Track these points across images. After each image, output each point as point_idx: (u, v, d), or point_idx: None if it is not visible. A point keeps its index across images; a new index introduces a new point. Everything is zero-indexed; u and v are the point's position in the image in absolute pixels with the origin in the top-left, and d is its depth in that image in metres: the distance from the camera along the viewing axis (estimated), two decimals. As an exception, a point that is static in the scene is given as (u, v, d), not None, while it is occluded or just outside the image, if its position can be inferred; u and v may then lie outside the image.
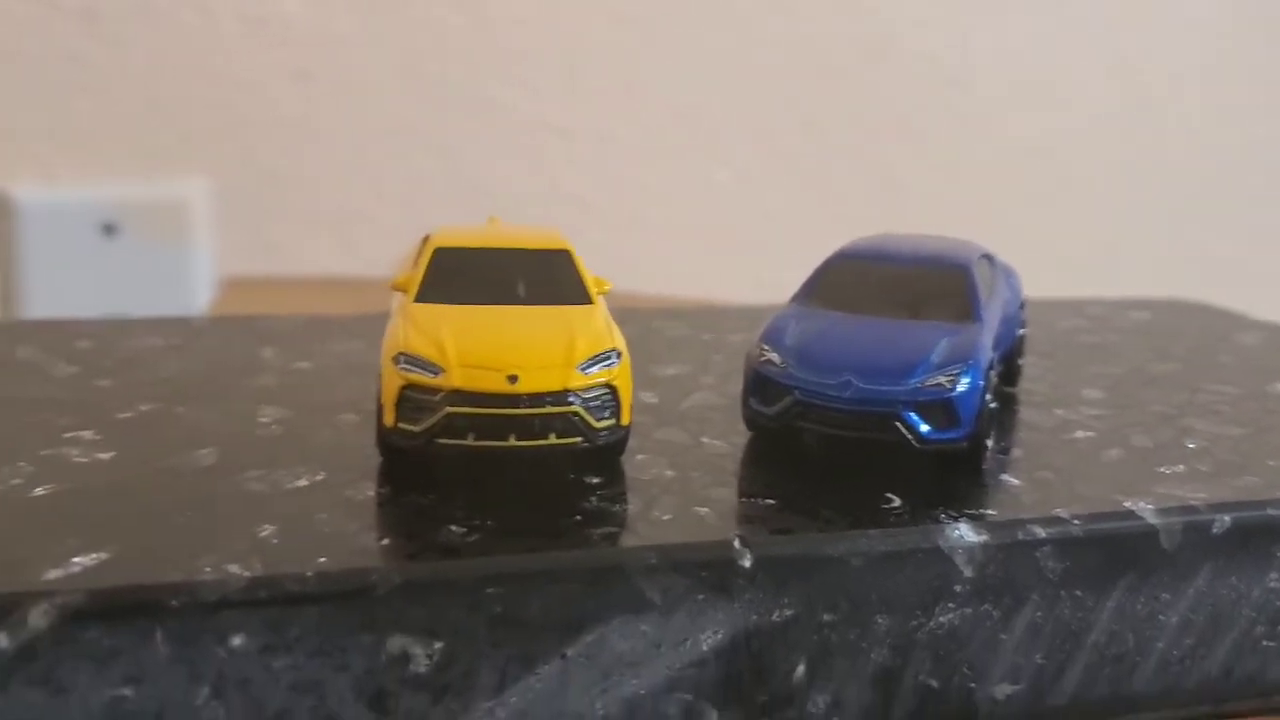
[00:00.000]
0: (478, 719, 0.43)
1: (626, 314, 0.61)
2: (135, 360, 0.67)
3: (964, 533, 0.47)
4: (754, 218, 1.26)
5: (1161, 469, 0.55)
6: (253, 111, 1.19)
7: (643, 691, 0.44)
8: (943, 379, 0.52)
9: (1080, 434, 0.60)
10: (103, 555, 0.43)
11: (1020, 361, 0.68)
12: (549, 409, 0.49)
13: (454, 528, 0.46)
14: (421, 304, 0.53)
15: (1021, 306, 0.67)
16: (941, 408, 0.52)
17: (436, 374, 0.49)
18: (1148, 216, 1.35)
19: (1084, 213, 1.35)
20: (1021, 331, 0.67)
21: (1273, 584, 0.52)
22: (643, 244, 1.25)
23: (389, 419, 0.50)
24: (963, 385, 0.52)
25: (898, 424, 0.52)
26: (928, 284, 0.58)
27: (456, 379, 0.49)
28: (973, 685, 0.48)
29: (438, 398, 0.49)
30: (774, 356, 0.55)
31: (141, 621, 0.40)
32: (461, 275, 0.54)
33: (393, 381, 0.49)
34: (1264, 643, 0.52)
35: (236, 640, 0.41)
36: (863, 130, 1.28)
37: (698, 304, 1.04)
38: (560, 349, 0.50)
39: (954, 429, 0.52)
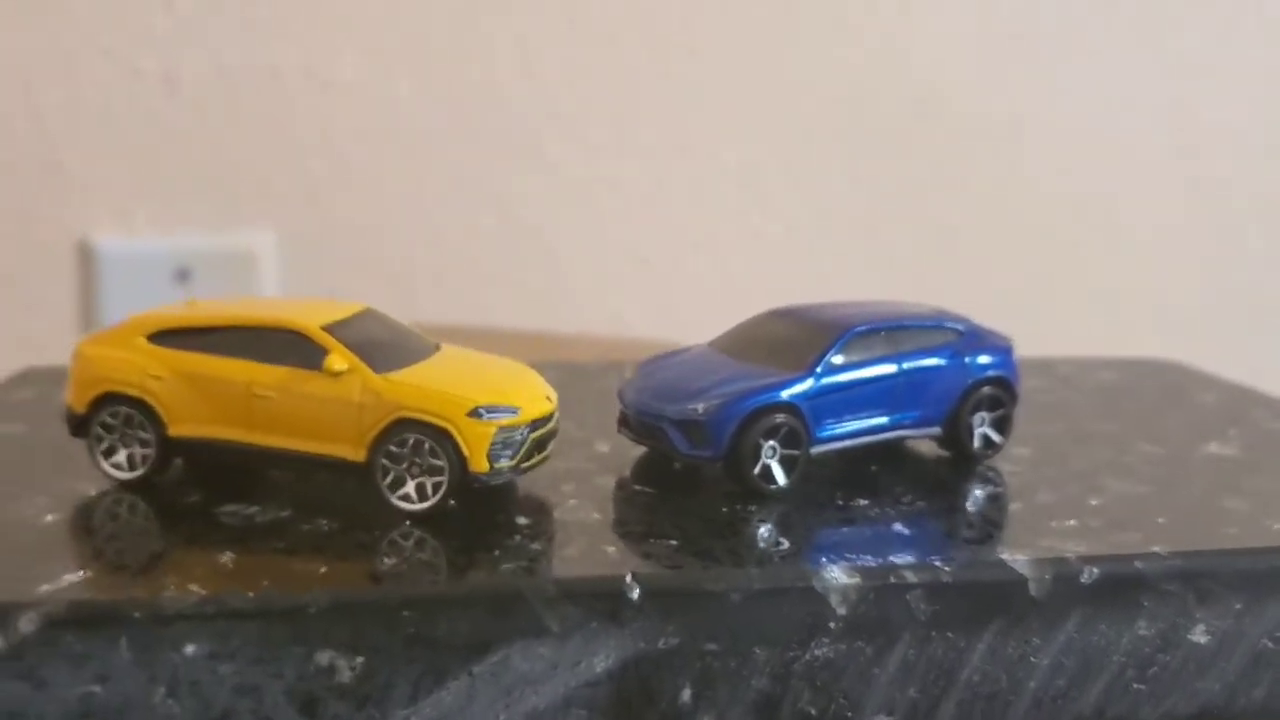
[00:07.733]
0: (394, 725, 0.50)
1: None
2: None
3: (837, 574, 0.53)
4: (805, 271, 1.31)
5: (1053, 524, 0.60)
6: (316, 168, 1.28)
7: (542, 707, 0.51)
8: (701, 405, 0.62)
9: (990, 490, 0.65)
10: (86, 573, 0.51)
11: (978, 426, 0.69)
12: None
13: (387, 559, 0.53)
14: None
15: (993, 381, 0.69)
16: (695, 428, 0.62)
17: (515, 413, 0.59)
18: (1205, 274, 1.35)
19: (1137, 268, 1.36)
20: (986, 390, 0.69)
21: (1141, 631, 0.56)
22: (693, 296, 1.31)
23: (481, 466, 0.58)
24: (716, 413, 0.61)
25: (664, 437, 0.63)
26: (797, 337, 0.66)
27: (530, 411, 0.59)
28: (850, 715, 0.54)
29: (520, 432, 0.59)
30: (630, 376, 0.68)
31: (110, 630, 0.48)
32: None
33: (483, 431, 0.57)
34: (1134, 685, 0.56)
35: (189, 648, 0.48)
36: (911, 185, 1.32)
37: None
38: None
39: (706, 448, 0.62)
